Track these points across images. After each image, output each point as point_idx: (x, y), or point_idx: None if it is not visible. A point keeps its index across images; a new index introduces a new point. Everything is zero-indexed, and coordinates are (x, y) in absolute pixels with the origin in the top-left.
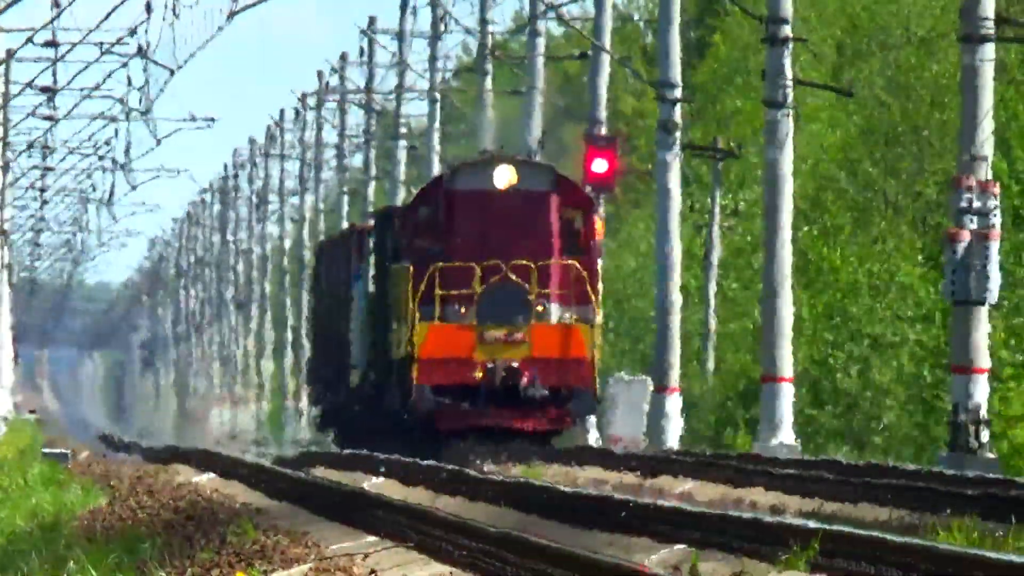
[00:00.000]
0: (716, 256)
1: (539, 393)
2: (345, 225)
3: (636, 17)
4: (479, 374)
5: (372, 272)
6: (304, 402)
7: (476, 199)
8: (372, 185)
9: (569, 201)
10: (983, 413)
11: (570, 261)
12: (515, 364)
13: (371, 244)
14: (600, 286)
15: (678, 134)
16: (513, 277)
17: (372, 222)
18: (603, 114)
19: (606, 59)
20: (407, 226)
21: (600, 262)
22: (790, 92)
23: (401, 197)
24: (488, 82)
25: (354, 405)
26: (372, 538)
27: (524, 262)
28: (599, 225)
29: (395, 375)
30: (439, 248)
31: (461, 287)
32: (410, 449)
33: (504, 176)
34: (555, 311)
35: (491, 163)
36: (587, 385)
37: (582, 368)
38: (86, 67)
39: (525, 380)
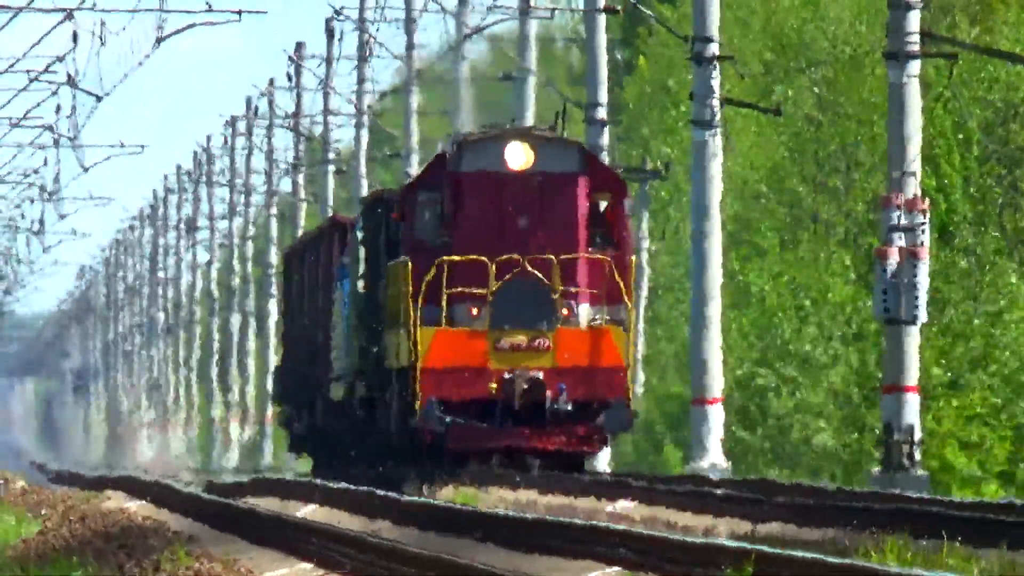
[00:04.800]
0: (644, 279)
1: (566, 408)
2: (274, 252)
3: (558, 38)
4: (495, 387)
5: (361, 269)
6: (233, 428)
7: (487, 182)
8: (302, 209)
9: (598, 184)
10: (915, 431)
11: (599, 255)
12: (538, 375)
13: (358, 236)
14: (634, 283)
15: (606, 155)
16: (534, 273)
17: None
18: None
19: (531, 81)
20: (405, 215)
21: (634, 256)
22: (718, 111)
23: None
24: (414, 104)
25: (336, 423)
26: (306, 565)
27: (546, 256)
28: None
29: (393, 388)
30: (444, 240)
31: (472, 285)
32: (412, 474)
33: (518, 155)
34: (583, 313)
35: (503, 139)
36: (621, 396)
37: (615, 378)
38: (14, 95)
39: (550, 394)
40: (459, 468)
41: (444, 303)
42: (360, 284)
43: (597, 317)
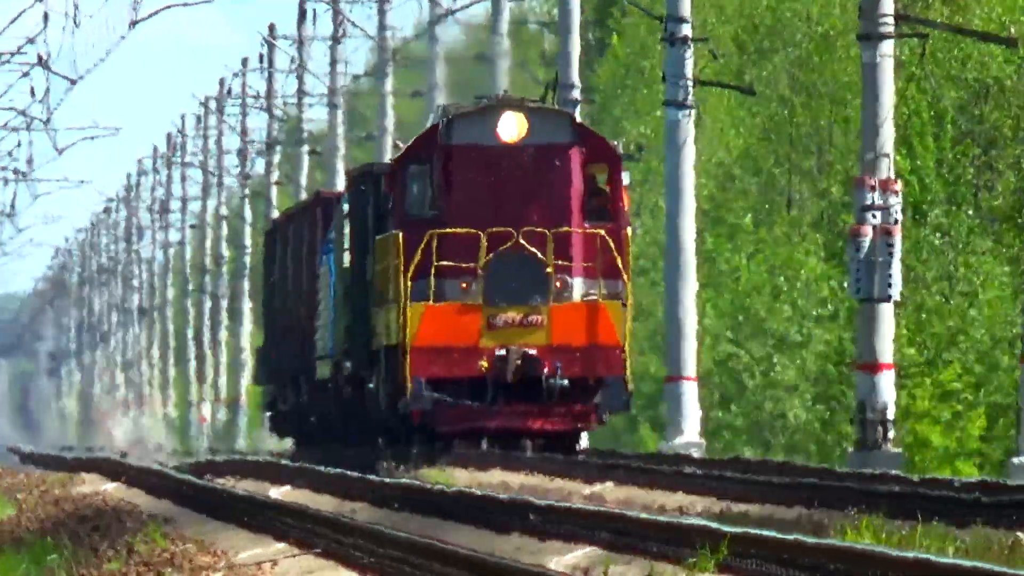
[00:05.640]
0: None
1: (561, 386)
2: (248, 234)
3: (531, 21)
4: (486, 364)
5: (347, 244)
6: (207, 409)
7: (479, 154)
8: (275, 190)
9: (592, 156)
10: (889, 410)
11: (594, 228)
12: (532, 352)
13: (345, 210)
14: (630, 257)
15: None
16: (527, 247)
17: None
18: None
19: (504, 62)
20: (394, 187)
21: (630, 229)
22: (691, 92)
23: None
24: (388, 85)
25: (321, 403)
26: (280, 545)
27: (539, 229)
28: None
29: (380, 367)
30: (434, 213)
31: (463, 259)
32: (387, 455)
33: (510, 127)
34: (577, 287)
35: (494, 110)
36: (618, 374)
37: (612, 354)
38: None
39: (545, 371)
40: (449, 448)
41: (434, 277)
42: (346, 259)
43: (592, 292)
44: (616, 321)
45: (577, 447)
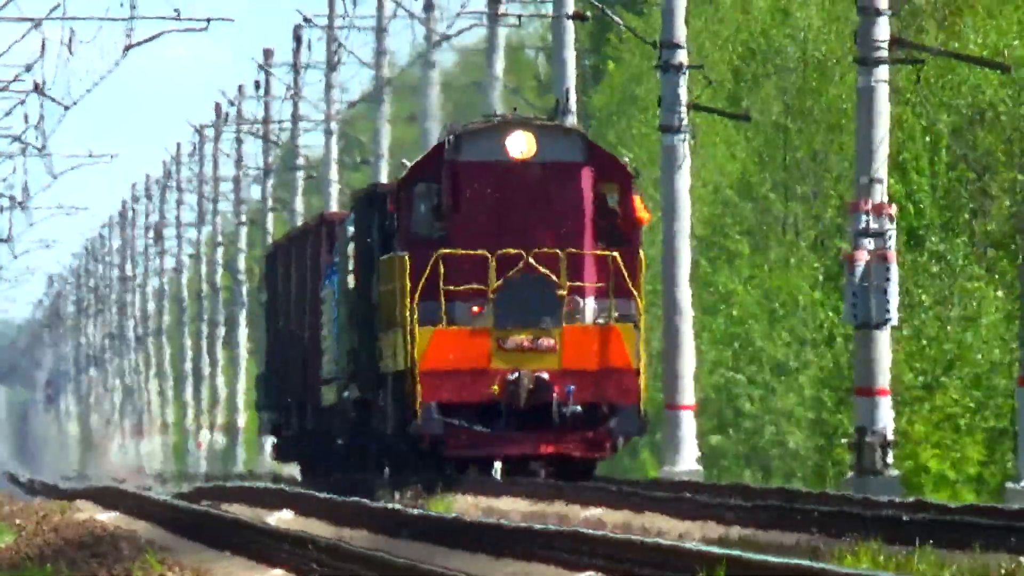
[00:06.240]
0: None
1: (574, 411)
2: (243, 260)
3: (527, 46)
4: (497, 388)
5: (352, 265)
6: (204, 435)
7: (487, 172)
8: (270, 216)
9: (604, 175)
10: (887, 435)
11: (606, 248)
12: (543, 376)
13: (349, 232)
14: (643, 278)
15: None
16: (538, 268)
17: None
18: None
19: (498, 88)
20: (400, 207)
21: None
22: (686, 118)
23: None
24: (384, 111)
25: (326, 428)
26: (278, 571)
27: (550, 250)
28: (640, 206)
29: (388, 391)
30: (442, 233)
31: (472, 281)
32: (402, 481)
33: (520, 144)
34: (590, 308)
35: (503, 127)
36: (632, 400)
37: (625, 379)
38: None
39: (556, 395)
40: (460, 474)
41: (442, 300)
42: (351, 281)
43: (604, 313)
44: (629, 344)
45: (594, 472)
